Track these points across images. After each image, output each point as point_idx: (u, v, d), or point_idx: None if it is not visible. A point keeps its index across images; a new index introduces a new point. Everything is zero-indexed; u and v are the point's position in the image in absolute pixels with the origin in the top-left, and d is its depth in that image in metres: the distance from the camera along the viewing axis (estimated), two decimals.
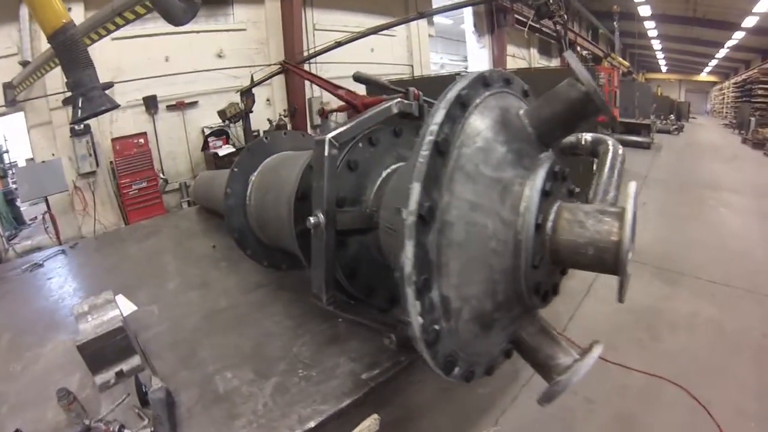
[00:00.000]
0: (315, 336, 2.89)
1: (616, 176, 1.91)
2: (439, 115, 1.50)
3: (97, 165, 10.85)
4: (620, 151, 2.02)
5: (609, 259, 1.51)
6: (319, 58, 13.52)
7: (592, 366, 1.64)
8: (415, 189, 1.41)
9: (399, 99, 2.46)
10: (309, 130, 14.33)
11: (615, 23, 25.83)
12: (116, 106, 4.18)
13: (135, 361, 2.83)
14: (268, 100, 13.85)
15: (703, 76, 45.99)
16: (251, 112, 11.62)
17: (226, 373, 2.63)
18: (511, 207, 1.60)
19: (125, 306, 3.53)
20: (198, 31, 12.57)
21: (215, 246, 4.95)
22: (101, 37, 7.70)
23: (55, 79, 10.31)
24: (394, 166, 2.41)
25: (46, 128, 10.65)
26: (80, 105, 3.69)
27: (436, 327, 1.50)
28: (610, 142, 2.06)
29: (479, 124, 1.62)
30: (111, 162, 11.04)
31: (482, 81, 1.70)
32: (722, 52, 33.36)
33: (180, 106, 12.28)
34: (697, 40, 31.44)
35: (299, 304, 3.25)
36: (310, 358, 2.69)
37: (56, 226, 10.04)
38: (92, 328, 2.84)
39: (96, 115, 3.94)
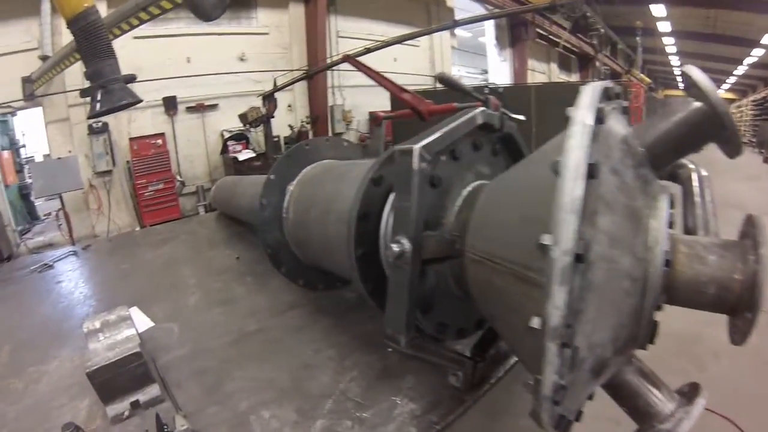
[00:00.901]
0: (363, 369, 2.49)
1: (710, 203, 1.74)
2: (585, 132, 1.17)
3: (114, 164, 10.68)
4: (705, 174, 1.79)
5: (731, 299, 1.35)
6: (342, 65, 13.29)
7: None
8: (570, 222, 1.08)
9: (482, 108, 2.10)
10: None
11: (638, 38, 25.57)
12: (138, 101, 3.86)
13: (154, 390, 2.46)
14: (289, 106, 13.61)
15: (721, 93, 44.96)
16: (273, 117, 11.37)
17: (262, 412, 2.23)
18: (642, 240, 1.39)
19: (140, 321, 3.17)
20: (220, 33, 12.44)
21: (239, 258, 4.61)
22: (123, 32, 7.45)
23: (75, 75, 10.16)
24: (474, 184, 2.04)
25: (63, 124, 10.51)
26: (99, 98, 3.36)
27: (562, 382, 1.20)
28: (692, 165, 1.81)
29: (612, 143, 1.38)
30: (128, 162, 10.84)
31: (606, 94, 1.42)
32: (741, 69, 33.35)
33: (200, 108, 12.07)
34: (716, 56, 31.34)
35: (340, 330, 2.87)
36: (360, 396, 2.29)
37: (69, 223, 9.82)
38: (104, 350, 2.47)
39: (116, 110, 3.61)
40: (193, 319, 3.23)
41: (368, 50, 10.09)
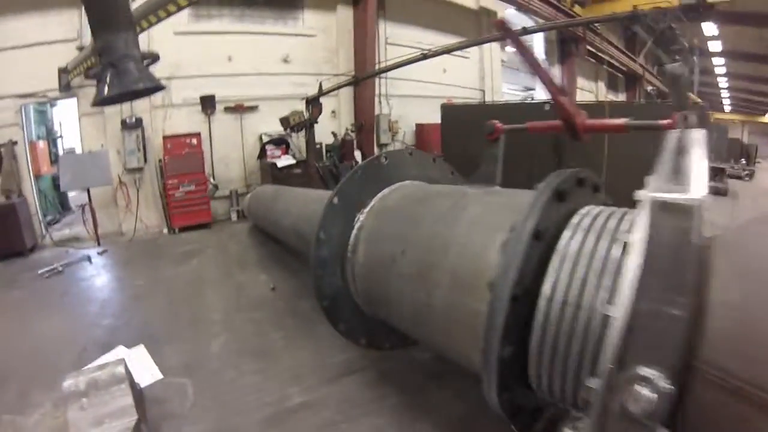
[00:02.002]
0: None
1: None
2: None
3: (145, 161, 10.21)
4: None
5: None
6: (390, 74, 12.63)
7: None
8: None
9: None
10: (375, 149, 13.33)
11: (695, 58, 24.27)
12: (159, 87, 3.08)
13: None
14: (333, 112, 12.93)
15: None
16: (316, 122, 10.68)
17: None
18: None
19: (145, 369, 2.43)
20: (264, 33, 11.92)
21: (275, 288, 3.86)
22: (158, 20, 6.89)
23: None
24: None
25: (96, 117, 10.09)
26: (108, 80, 2.56)
27: None
28: None
29: None
30: (160, 160, 10.30)
31: None
32: None
33: (239, 109, 11.49)
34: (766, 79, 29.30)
35: (417, 412, 2.05)
36: None
37: (95, 220, 9.33)
38: (88, 426, 1.72)
39: (128, 97, 2.83)
40: (215, 377, 2.47)
41: (425, 56, 9.31)
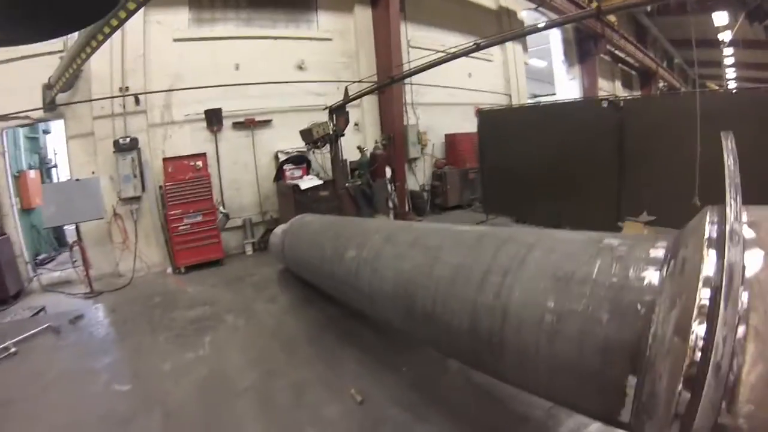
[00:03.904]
0: None
1: None
2: None
3: (143, 189, 8.74)
4: None
5: None
6: (414, 79, 11.24)
7: None
8: None
9: None
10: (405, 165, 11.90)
11: (723, 49, 23.52)
12: None
13: None
14: (356, 124, 11.41)
15: None
16: (343, 134, 9.18)
17: None
18: None
19: None
20: (276, 38, 10.53)
21: (362, 401, 2.38)
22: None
23: (102, 82, 8.48)
24: None
25: (86, 140, 8.79)
26: None
27: None
28: None
29: None
30: (160, 187, 8.80)
31: None
32: None
33: (249, 124, 10.01)
34: None
35: None
36: None
37: (86, 261, 7.92)
38: None
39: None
40: None
41: (444, 60, 8.01)
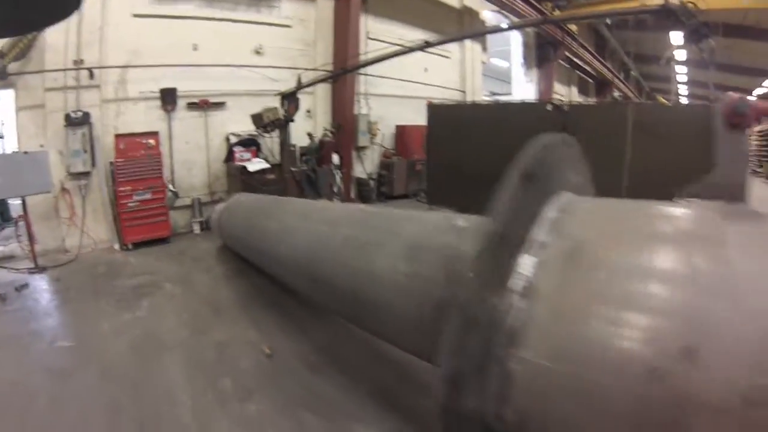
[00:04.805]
0: None
1: None
2: None
3: (93, 165, 8.75)
4: None
5: None
6: (370, 71, 11.60)
7: None
8: None
9: None
10: (353, 153, 12.26)
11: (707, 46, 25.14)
12: None
13: None
14: (309, 111, 11.70)
15: None
16: (292, 120, 9.45)
17: None
18: None
19: None
20: (236, 20, 10.62)
21: (271, 354, 2.76)
22: None
23: (57, 52, 8.41)
24: None
25: (36, 112, 8.69)
26: None
27: None
28: None
29: None
30: (111, 163, 8.84)
31: None
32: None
33: (203, 105, 10.14)
34: (725, 87, 31.30)
35: None
36: None
37: (32, 236, 7.89)
38: None
39: None
40: None
41: (394, 54, 8.34)
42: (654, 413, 1.30)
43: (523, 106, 11.18)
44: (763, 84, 27.10)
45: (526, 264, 1.71)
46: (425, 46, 8.02)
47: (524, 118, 9.12)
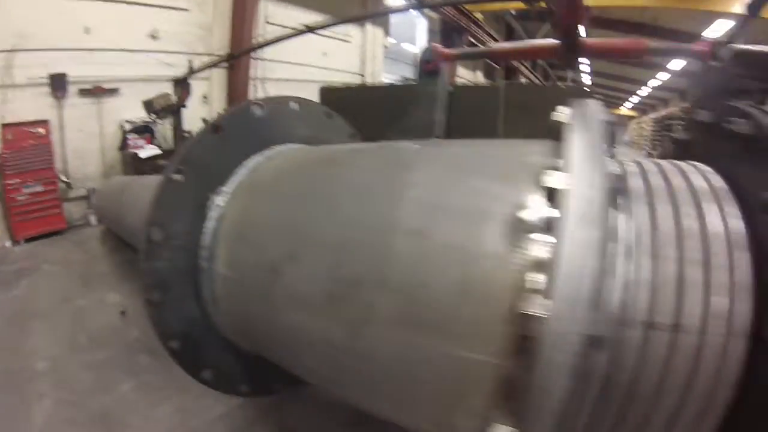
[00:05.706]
0: None
1: None
2: None
3: None
4: None
5: None
6: (267, 55, 11.87)
7: None
8: None
9: None
10: None
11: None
12: None
13: None
14: (204, 96, 11.75)
15: (624, 110, 55.20)
16: (184, 106, 9.53)
17: None
18: None
19: None
20: (130, 2, 10.32)
21: (125, 312, 3.17)
22: None
23: None
24: None
25: None
26: None
27: None
28: None
29: None
30: None
31: None
32: (645, 90, 39.25)
33: (96, 91, 9.92)
34: (624, 77, 36.23)
35: None
36: None
37: None
38: None
39: None
40: None
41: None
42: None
43: (412, 87, 11.88)
44: (657, 77, 30.96)
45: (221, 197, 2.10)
46: (305, 31, 8.29)
47: (412, 99, 9.80)
